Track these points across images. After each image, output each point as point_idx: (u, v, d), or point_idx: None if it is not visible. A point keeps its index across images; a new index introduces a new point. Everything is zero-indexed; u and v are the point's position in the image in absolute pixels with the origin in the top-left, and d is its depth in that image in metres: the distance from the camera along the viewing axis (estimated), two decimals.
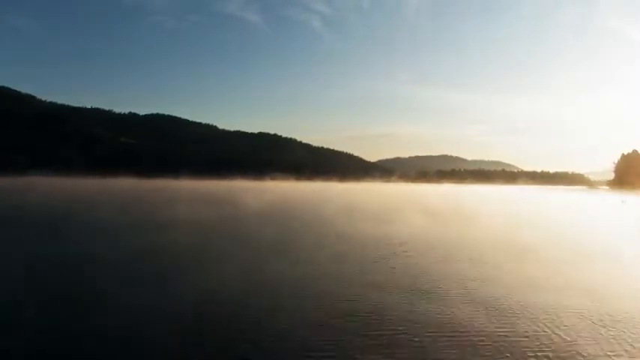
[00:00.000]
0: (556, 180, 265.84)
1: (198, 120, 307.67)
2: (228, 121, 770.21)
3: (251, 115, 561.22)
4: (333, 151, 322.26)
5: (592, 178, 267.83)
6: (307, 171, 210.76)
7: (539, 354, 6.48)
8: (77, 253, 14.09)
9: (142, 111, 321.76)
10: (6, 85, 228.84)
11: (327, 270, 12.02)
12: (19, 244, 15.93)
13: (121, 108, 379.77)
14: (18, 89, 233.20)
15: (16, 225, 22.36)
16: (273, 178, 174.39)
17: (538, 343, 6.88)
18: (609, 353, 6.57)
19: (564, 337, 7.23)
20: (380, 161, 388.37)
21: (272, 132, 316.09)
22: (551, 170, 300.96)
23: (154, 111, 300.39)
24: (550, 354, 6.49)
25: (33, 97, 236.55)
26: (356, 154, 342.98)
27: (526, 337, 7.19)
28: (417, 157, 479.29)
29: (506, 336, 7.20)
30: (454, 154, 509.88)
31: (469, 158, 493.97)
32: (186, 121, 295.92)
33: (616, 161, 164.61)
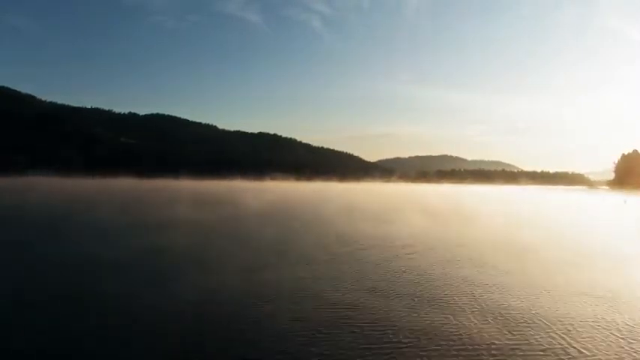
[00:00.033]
0: (556, 180, 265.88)
1: (198, 120, 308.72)
2: (228, 121, 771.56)
3: (251, 115, 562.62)
4: (333, 151, 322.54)
5: (592, 178, 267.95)
6: (307, 171, 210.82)
7: None
8: (77, 253, 14.08)
9: (142, 111, 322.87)
10: (6, 85, 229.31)
11: (327, 272, 11.75)
12: (19, 244, 15.91)
13: (121, 108, 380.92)
14: (18, 89, 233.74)
15: (16, 225, 22.35)
16: (273, 178, 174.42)
17: (556, 358, 6.40)
18: None
19: (583, 350, 6.69)
20: (380, 161, 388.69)
21: (272, 132, 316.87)
22: (551, 170, 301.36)
23: (154, 111, 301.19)
24: None
25: (33, 97, 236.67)
26: (356, 154, 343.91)
27: (542, 350, 6.65)
28: (417, 157, 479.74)
29: (519, 349, 6.67)
30: (454, 154, 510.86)
31: (469, 158, 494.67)
32: (186, 121, 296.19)
33: (616, 161, 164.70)
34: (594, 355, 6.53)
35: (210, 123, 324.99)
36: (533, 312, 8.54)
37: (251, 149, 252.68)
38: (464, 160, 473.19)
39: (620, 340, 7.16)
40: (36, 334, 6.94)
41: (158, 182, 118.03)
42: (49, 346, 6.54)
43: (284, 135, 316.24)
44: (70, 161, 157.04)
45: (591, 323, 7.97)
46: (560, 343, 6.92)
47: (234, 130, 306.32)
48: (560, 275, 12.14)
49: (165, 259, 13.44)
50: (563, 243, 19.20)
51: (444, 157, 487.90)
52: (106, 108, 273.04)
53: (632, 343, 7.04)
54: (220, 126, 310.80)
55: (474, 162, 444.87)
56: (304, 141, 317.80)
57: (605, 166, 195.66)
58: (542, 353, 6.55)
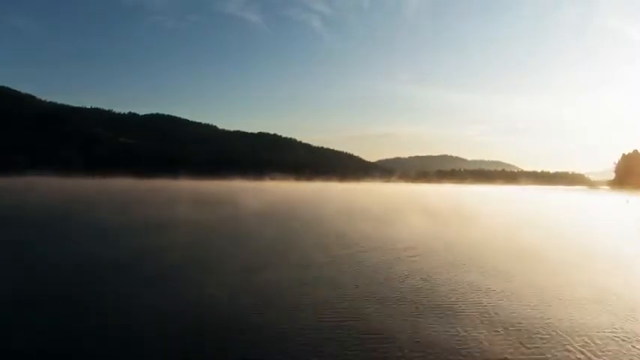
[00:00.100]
0: (556, 180, 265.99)
1: (198, 120, 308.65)
2: (228, 121, 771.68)
3: (251, 115, 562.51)
4: (333, 151, 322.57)
5: (592, 178, 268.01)
6: (307, 171, 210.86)
7: None
8: (77, 253, 14.08)
9: (142, 111, 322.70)
10: (6, 85, 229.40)
11: (327, 277, 11.25)
12: (19, 244, 15.91)
13: (120, 108, 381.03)
14: (18, 89, 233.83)
15: (16, 225, 22.34)
16: (272, 178, 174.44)
17: None
18: None
19: None
20: (380, 161, 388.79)
21: (272, 132, 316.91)
22: (552, 170, 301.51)
23: (154, 111, 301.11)
24: None
25: (33, 97, 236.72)
26: (356, 154, 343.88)
27: None
28: (417, 157, 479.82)
29: None
30: (454, 154, 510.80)
31: (469, 158, 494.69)
32: (186, 121, 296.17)
33: (617, 161, 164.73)
34: None
35: (210, 123, 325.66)
36: (547, 322, 7.97)
37: (251, 149, 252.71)
38: (464, 160, 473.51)
39: None
40: (36, 334, 6.93)
41: (158, 182, 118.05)
42: (49, 346, 6.54)
43: (284, 135, 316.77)
44: (70, 161, 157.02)
45: (609, 334, 7.39)
46: (579, 359, 6.39)
47: (234, 130, 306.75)
48: (570, 280, 11.59)
49: (165, 259, 13.43)
50: (569, 245, 18.79)
51: (444, 157, 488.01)
52: (106, 108, 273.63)
53: None
54: (220, 126, 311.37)
55: (474, 162, 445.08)
56: (304, 141, 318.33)
57: (605, 166, 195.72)
58: None
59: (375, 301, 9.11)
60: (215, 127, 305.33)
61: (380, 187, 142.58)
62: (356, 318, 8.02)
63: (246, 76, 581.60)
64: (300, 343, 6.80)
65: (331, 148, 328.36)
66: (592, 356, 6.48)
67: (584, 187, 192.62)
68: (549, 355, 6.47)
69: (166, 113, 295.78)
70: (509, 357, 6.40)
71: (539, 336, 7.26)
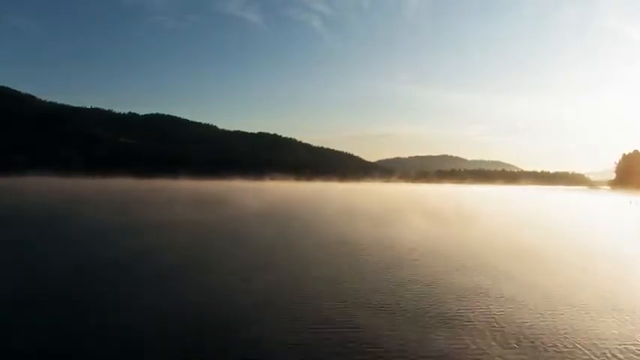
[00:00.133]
0: (556, 180, 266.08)
1: (198, 120, 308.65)
2: (228, 121, 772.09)
3: (251, 115, 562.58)
4: (333, 151, 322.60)
5: (592, 178, 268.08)
6: (307, 171, 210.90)
7: None
8: (77, 253, 14.09)
9: (142, 111, 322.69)
10: (6, 85, 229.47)
11: (325, 281, 10.63)
12: (19, 244, 15.91)
13: (120, 108, 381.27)
14: (18, 89, 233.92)
15: (16, 225, 22.35)
16: (272, 178, 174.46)
17: None
18: None
19: None
20: (380, 161, 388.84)
21: (272, 132, 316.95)
22: (552, 170, 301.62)
23: (154, 111, 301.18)
24: None
25: (33, 97, 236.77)
26: (356, 154, 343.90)
27: None
28: (417, 157, 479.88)
29: None
30: (454, 154, 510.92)
31: (469, 158, 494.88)
32: (186, 121, 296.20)
33: (617, 161, 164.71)
34: None
35: (210, 123, 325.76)
36: (563, 333, 7.37)
37: (251, 149, 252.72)
38: (464, 160, 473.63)
39: None
40: (36, 334, 6.93)
41: (158, 182, 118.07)
42: (49, 346, 6.53)
43: (284, 135, 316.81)
44: (69, 161, 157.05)
45: (633, 348, 6.79)
46: None
47: (234, 130, 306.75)
48: (583, 286, 10.96)
49: (165, 259, 13.43)
50: (577, 247, 18.13)
51: (444, 157, 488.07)
52: (106, 108, 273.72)
53: None
54: (220, 126, 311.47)
55: (474, 162, 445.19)
56: (304, 141, 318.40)
57: (605, 166, 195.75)
58: None
59: (378, 313, 8.31)
60: (215, 127, 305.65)
61: (380, 187, 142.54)
62: (356, 321, 7.93)
63: (246, 76, 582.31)
64: (300, 343, 6.80)
65: (331, 148, 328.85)
66: None
67: (584, 188, 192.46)
68: None
69: (166, 113, 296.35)
70: None
71: (556, 349, 6.68)
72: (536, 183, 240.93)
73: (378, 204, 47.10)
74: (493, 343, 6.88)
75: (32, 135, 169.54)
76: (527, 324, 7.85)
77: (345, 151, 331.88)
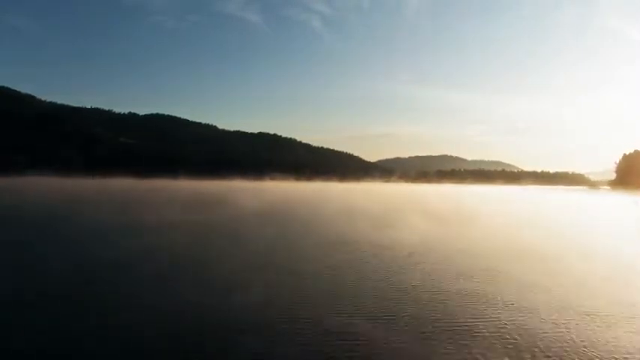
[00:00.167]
0: (557, 180, 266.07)
1: (198, 120, 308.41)
2: (228, 121, 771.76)
3: (251, 115, 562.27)
4: (333, 151, 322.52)
5: (592, 178, 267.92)
6: (307, 171, 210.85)
7: None
8: (77, 253, 14.09)
9: (142, 111, 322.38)
10: (6, 85, 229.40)
11: (324, 288, 10.06)
12: (19, 244, 15.91)
13: (120, 108, 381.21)
14: (18, 89, 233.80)
15: (16, 225, 22.34)
16: (272, 178, 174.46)
17: None
18: None
19: None
20: (380, 161, 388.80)
21: (272, 132, 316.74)
22: (552, 170, 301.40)
23: (154, 111, 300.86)
24: None
25: (33, 97, 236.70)
26: (356, 154, 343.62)
27: None
28: (417, 157, 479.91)
29: None
30: (454, 154, 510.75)
31: (469, 158, 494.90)
32: (186, 121, 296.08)
33: (617, 161, 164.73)
34: None
35: (210, 123, 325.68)
36: (580, 345, 6.81)
37: (251, 149, 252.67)
38: (464, 160, 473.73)
39: None
40: (36, 334, 6.93)
41: (158, 182, 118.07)
42: (49, 346, 6.53)
43: (284, 135, 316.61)
44: (69, 161, 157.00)
45: None
46: None
47: (234, 130, 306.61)
48: (596, 292, 10.33)
49: (165, 259, 13.43)
50: (587, 251, 17.35)
51: (444, 157, 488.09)
52: (106, 108, 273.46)
53: None
54: (220, 126, 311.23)
55: (474, 162, 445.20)
56: (304, 141, 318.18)
57: (605, 166, 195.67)
58: None
59: (379, 323, 7.66)
60: (215, 127, 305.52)
61: (380, 187, 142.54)
62: (356, 327, 7.71)
63: (246, 76, 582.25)
64: (300, 343, 6.79)
65: (331, 148, 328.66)
66: None
67: (584, 188, 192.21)
68: None
69: (166, 113, 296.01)
70: None
71: None
72: (537, 183, 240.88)
73: (378, 204, 47.09)
74: (504, 357, 6.32)
75: (32, 135, 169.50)
76: (540, 334, 7.24)
77: (345, 151, 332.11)
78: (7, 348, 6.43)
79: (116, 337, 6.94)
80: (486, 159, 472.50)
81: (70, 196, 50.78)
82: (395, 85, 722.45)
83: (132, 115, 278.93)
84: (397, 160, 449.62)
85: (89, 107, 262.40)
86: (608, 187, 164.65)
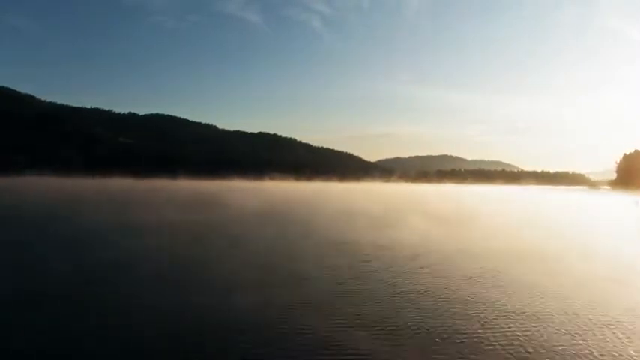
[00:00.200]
0: (557, 180, 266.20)
1: (197, 120, 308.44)
2: (228, 121, 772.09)
3: (251, 115, 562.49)
4: (333, 151, 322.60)
5: (592, 178, 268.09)
6: (307, 171, 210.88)
7: None
8: (77, 253, 14.07)
9: (142, 111, 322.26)
10: (6, 85, 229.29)
11: (323, 294, 9.41)
12: (19, 244, 15.89)
13: (120, 108, 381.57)
14: (18, 89, 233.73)
15: (15, 225, 22.33)
16: (272, 179, 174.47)
17: None
18: None
19: None
20: (380, 161, 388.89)
21: (272, 132, 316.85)
22: (552, 170, 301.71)
23: (154, 111, 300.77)
24: None
25: (33, 97, 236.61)
26: (356, 154, 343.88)
27: None
28: (417, 157, 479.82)
29: None
30: (454, 154, 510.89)
31: (469, 158, 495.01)
32: (186, 121, 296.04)
33: (618, 161, 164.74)
34: None
35: (210, 123, 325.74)
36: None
37: (251, 149, 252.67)
38: (464, 160, 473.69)
39: None
40: (36, 334, 6.92)
41: (157, 182, 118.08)
42: (49, 346, 6.52)
43: (284, 135, 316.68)
44: (69, 161, 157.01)
45: None
46: None
47: (234, 130, 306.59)
48: (611, 298, 9.67)
49: (165, 259, 13.43)
50: (595, 253, 16.82)
51: (444, 157, 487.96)
52: (106, 108, 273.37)
53: None
54: (220, 126, 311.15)
55: (474, 162, 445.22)
56: (304, 141, 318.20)
57: (605, 166, 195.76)
58: None
59: (383, 339, 6.96)
60: (215, 127, 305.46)
61: (380, 187, 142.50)
62: (357, 337, 7.39)
63: (246, 76, 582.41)
64: (300, 343, 6.79)
65: (331, 148, 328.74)
66: None
67: (585, 188, 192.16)
68: None
69: (166, 113, 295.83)
70: None
71: None
72: (537, 183, 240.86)
73: (378, 204, 47.07)
74: None
75: (32, 135, 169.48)
76: (557, 348, 6.70)
77: (345, 151, 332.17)
78: (7, 348, 6.43)
79: (116, 337, 6.93)
80: (486, 159, 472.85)
81: (69, 196, 50.77)
82: (395, 85, 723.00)
83: (132, 115, 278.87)
84: (397, 160, 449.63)
85: (89, 107, 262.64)
86: (609, 187, 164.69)
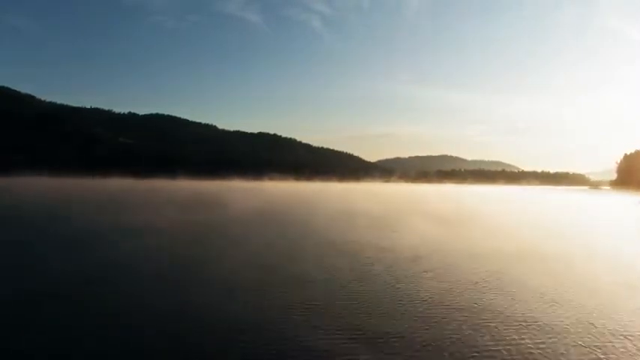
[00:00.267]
0: (557, 180, 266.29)
1: (197, 120, 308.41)
2: (228, 121, 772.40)
3: (251, 115, 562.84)
4: (333, 151, 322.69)
5: (592, 178, 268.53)
6: (307, 171, 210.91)
7: None
8: (77, 253, 14.06)
9: (142, 111, 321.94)
10: (6, 85, 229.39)
11: (322, 301, 8.86)
12: (19, 244, 15.88)
13: (120, 108, 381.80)
14: (18, 89, 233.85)
15: (16, 225, 22.32)
16: (271, 179, 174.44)
17: None
18: None
19: None
20: (380, 161, 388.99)
21: (272, 132, 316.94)
22: (552, 170, 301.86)
23: (154, 111, 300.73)
24: None
25: (33, 97, 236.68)
26: (356, 154, 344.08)
27: None
28: (417, 157, 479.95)
29: None
30: (454, 154, 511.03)
31: (469, 158, 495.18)
32: (186, 121, 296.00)
33: (618, 161, 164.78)
34: None
35: (210, 123, 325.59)
36: None
37: (251, 149, 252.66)
38: (464, 160, 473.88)
39: None
40: (36, 334, 6.91)
41: (157, 182, 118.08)
42: (49, 346, 6.52)
43: (284, 135, 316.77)
44: (69, 161, 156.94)
45: None
46: None
47: (234, 130, 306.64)
48: (628, 308, 8.95)
49: (165, 259, 13.42)
50: (606, 256, 16.04)
51: (444, 157, 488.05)
52: (106, 108, 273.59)
53: None
54: (220, 126, 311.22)
55: (474, 162, 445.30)
56: (304, 141, 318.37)
57: (605, 166, 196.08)
58: None
59: (387, 353, 6.42)
60: (215, 127, 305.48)
61: (380, 187, 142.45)
62: (358, 345, 7.03)
63: (246, 76, 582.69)
64: (300, 343, 6.77)
65: (331, 148, 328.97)
66: None
67: (585, 188, 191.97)
68: None
69: (166, 113, 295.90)
70: None
71: None
72: (537, 183, 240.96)
73: (378, 204, 47.07)
74: None
75: (32, 135, 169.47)
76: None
77: (345, 151, 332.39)
78: (7, 348, 6.42)
79: (116, 337, 6.92)
80: (486, 159, 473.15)
81: (69, 196, 50.77)
82: (395, 85, 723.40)
83: (131, 115, 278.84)
84: (397, 160, 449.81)
85: (89, 107, 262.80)
86: (609, 188, 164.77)
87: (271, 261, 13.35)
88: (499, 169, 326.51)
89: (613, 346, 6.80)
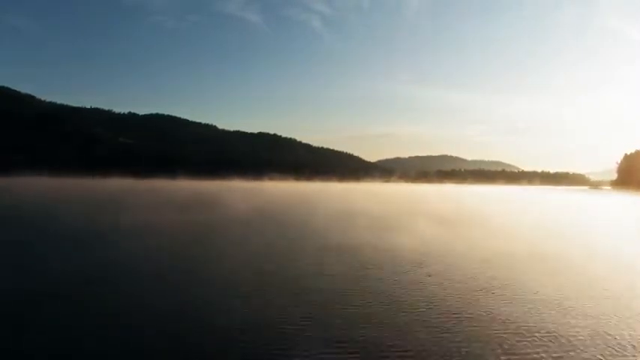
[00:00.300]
0: (557, 180, 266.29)
1: (197, 120, 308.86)
2: (227, 121, 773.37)
3: (251, 115, 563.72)
4: (333, 151, 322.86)
5: (592, 178, 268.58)
6: (307, 171, 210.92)
7: None
8: (77, 253, 14.06)
9: (142, 111, 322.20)
10: (6, 85, 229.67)
11: (321, 307, 8.45)
12: (19, 244, 15.88)
13: (120, 108, 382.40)
14: (18, 89, 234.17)
15: (16, 225, 22.31)
16: (271, 179, 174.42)
17: None
18: None
19: None
20: (380, 161, 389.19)
21: (272, 132, 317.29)
22: (552, 170, 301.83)
23: (154, 111, 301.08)
24: None
25: (33, 97, 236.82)
26: (356, 154, 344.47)
27: None
28: (417, 157, 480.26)
29: None
30: (454, 154, 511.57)
31: (469, 158, 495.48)
32: (186, 121, 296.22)
33: (619, 161, 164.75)
34: None
35: (210, 123, 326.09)
36: None
37: (251, 149, 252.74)
38: (464, 160, 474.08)
39: None
40: (36, 334, 6.91)
41: (157, 182, 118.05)
42: (49, 346, 6.52)
43: (284, 135, 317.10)
44: (69, 161, 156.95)
45: None
46: None
47: (234, 130, 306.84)
48: None
49: (165, 259, 13.41)
50: (617, 260, 15.40)
51: (444, 157, 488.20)
52: (106, 108, 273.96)
53: None
54: (220, 126, 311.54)
55: (474, 162, 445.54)
56: (304, 141, 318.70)
57: (605, 166, 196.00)
58: None
59: (384, 348, 6.48)
60: (215, 127, 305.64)
61: (380, 187, 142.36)
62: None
63: (246, 76, 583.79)
64: (300, 343, 6.77)
65: (331, 148, 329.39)
66: None
67: (585, 188, 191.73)
68: None
69: (166, 113, 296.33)
70: None
71: None
72: (537, 183, 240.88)
73: (378, 204, 47.04)
74: None
75: (32, 135, 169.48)
76: None
77: (345, 151, 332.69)
78: (8, 348, 6.42)
79: (116, 337, 6.92)
80: (486, 159, 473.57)
81: (69, 196, 50.75)
82: (395, 85, 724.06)
83: (131, 115, 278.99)
84: (397, 160, 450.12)
85: (89, 107, 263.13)
86: (609, 188, 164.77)
87: (271, 261, 13.33)
88: (499, 169, 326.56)
89: (619, 349, 6.66)
